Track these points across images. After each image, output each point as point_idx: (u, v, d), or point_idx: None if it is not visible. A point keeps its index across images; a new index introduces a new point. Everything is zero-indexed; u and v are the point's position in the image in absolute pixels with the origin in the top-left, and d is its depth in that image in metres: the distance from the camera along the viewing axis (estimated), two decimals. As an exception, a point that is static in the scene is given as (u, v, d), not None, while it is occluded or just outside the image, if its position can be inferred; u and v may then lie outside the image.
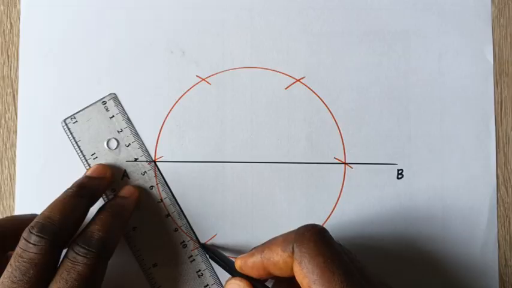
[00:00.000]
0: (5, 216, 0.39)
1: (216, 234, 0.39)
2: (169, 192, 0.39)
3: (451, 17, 0.40)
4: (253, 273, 0.32)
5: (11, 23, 0.40)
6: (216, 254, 0.37)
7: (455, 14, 0.40)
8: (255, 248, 0.32)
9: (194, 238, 0.39)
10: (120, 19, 0.40)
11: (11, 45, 0.40)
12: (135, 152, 0.39)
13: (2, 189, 0.39)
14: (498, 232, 0.39)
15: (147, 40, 0.40)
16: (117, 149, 0.38)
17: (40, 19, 0.40)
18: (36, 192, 0.39)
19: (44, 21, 0.40)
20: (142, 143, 0.39)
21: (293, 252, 0.29)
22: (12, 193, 0.39)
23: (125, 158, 0.39)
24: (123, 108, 0.39)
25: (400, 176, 0.39)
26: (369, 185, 0.39)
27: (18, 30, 0.40)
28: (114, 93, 0.39)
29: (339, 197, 0.39)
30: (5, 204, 0.39)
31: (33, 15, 0.40)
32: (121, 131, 0.39)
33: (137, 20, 0.40)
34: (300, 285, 0.29)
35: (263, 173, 0.39)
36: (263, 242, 0.32)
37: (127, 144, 0.39)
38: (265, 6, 0.40)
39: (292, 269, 0.29)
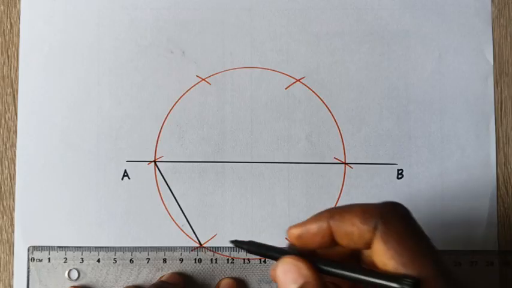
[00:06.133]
0: (5, 216, 0.39)
1: (216, 234, 0.39)
2: (170, 192, 0.39)
3: (451, 17, 0.40)
4: (315, 241, 0.28)
5: (11, 23, 0.40)
6: (254, 245, 0.31)
7: (455, 14, 0.40)
8: (316, 214, 0.29)
9: (194, 238, 0.39)
10: (120, 19, 0.40)
11: (11, 45, 0.40)
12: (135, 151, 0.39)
13: (2, 189, 0.39)
14: (498, 232, 0.39)
15: (147, 40, 0.40)
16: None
17: (40, 19, 0.40)
18: (36, 192, 0.39)
19: (44, 21, 0.40)
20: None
21: (375, 228, 0.26)
22: (12, 193, 0.39)
23: (125, 158, 0.39)
24: (123, 108, 0.39)
25: (400, 176, 0.39)
26: (369, 185, 0.39)
27: (18, 30, 0.40)
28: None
29: (339, 197, 0.39)
30: (5, 204, 0.39)
31: (33, 15, 0.40)
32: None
33: (137, 20, 0.40)
34: (382, 266, 0.26)
35: (263, 173, 0.39)
36: (328, 208, 0.29)
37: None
38: (265, 6, 0.40)
39: (366, 243, 0.27)
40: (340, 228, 0.27)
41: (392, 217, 0.27)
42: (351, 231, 0.27)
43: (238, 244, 0.31)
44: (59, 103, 0.39)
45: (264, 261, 0.38)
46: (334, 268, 0.27)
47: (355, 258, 0.29)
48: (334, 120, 0.39)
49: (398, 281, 0.25)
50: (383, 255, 0.26)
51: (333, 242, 0.28)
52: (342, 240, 0.27)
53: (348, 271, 0.27)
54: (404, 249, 0.26)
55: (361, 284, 0.27)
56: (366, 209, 0.27)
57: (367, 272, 0.26)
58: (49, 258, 0.38)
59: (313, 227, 0.28)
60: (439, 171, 0.39)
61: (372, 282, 0.26)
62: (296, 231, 0.29)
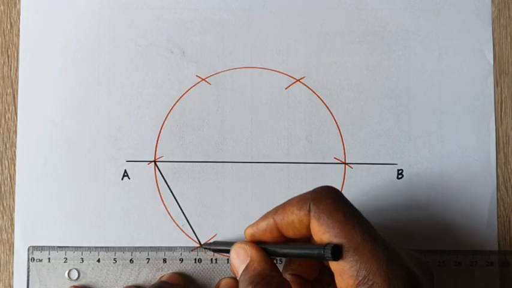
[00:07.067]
0: (5, 216, 0.39)
1: (216, 234, 0.39)
2: (170, 192, 0.39)
3: (451, 17, 0.40)
4: (266, 237, 0.32)
5: (11, 23, 0.40)
6: (218, 244, 0.37)
7: (455, 14, 0.40)
8: (264, 214, 0.33)
9: (194, 238, 0.39)
10: (120, 19, 0.40)
11: (11, 45, 0.40)
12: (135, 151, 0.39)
13: (2, 189, 0.39)
14: (498, 232, 0.39)
15: (147, 40, 0.40)
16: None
17: (40, 19, 0.40)
18: (36, 192, 0.39)
19: (44, 21, 0.40)
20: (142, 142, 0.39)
21: (310, 210, 0.30)
22: (12, 193, 0.39)
23: (125, 158, 0.39)
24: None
25: (400, 176, 0.39)
26: (369, 185, 0.39)
27: (18, 30, 0.40)
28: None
29: (339, 197, 0.39)
30: (5, 204, 0.39)
31: (33, 15, 0.40)
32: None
33: (137, 20, 0.40)
34: (319, 242, 0.29)
35: (263, 173, 0.39)
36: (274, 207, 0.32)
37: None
38: (265, 6, 0.40)
39: (307, 228, 0.30)
40: (283, 221, 0.31)
41: (322, 197, 0.30)
42: (292, 220, 0.31)
43: (206, 247, 0.38)
44: (59, 103, 0.39)
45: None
46: (276, 248, 0.32)
47: None
48: (334, 120, 0.39)
49: (319, 248, 0.28)
50: (318, 231, 0.29)
51: (281, 235, 0.32)
52: (288, 231, 0.31)
53: (284, 249, 0.32)
54: (334, 222, 0.29)
55: (295, 258, 0.33)
56: (301, 197, 0.31)
57: (297, 247, 0.31)
58: (49, 258, 0.38)
59: (262, 225, 0.32)
60: (439, 171, 0.39)
61: (301, 253, 0.30)
62: (249, 231, 0.33)
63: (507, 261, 0.38)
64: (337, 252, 0.28)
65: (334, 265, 0.29)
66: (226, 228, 0.39)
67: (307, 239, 0.32)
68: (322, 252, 0.28)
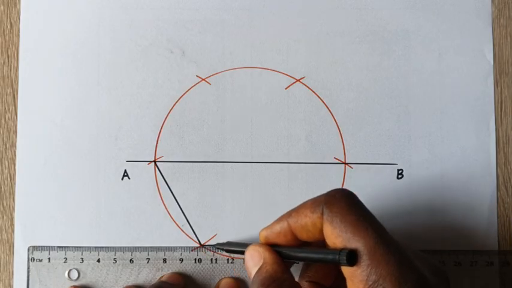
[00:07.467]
0: (5, 216, 0.39)
1: (216, 234, 0.39)
2: (170, 192, 0.39)
3: (451, 17, 0.40)
4: (280, 240, 0.32)
5: (11, 23, 0.40)
6: (231, 245, 0.37)
7: (455, 14, 0.40)
8: (279, 217, 0.33)
9: (194, 238, 0.39)
10: (120, 19, 0.40)
11: (11, 45, 0.40)
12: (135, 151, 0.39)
13: (2, 189, 0.39)
14: (498, 232, 0.39)
15: (147, 40, 0.40)
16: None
17: (40, 19, 0.40)
18: (36, 192, 0.39)
19: (44, 21, 0.40)
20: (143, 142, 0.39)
21: (323, 213, 0.29)
22: (12, 193, 0.39)
23: (125, 158, 0.39)
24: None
25: (400, 176, 0.39)
26: (369, 185, 0.39)
27: (18, 30, 0.40)
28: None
29: (339, 197, 0.39)
30: (5, 204, 0.39)
31: (33, 15, 0.40)
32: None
33: (137, 20, 0.40)
34: (332, 246, 0.29)
35: (263, 173, 0.39)
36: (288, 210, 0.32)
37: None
38: (265, 6, 0.40)
39: (320, 231, 0.30)
40: (296, 224, 0.31)
41: (335, 200, 0.30)
42: (305, 223, 0.30)
43: (219, 247, 0.38)
44: (59, 103, 0.39)
45: (264, 261, 0.38)
46: (290, 252, 0.32)
47: None
48: (334, 120, 0.39)
49: (334, 253, 0.28)
50: (331, 235, 0.29)
51: (296, 239, 0.32)
52: (302, 234, 0.31)
53: (298, 252, 0.31)
54: (347, 226, 0.28)
55: (310, 262, 0.33)
56: (314, 200, 0.31)
57: (312, 251, 0.31)
58: (49, 258, 0.38)
59: (276, 228, 0.32)
60: (439, 171, 0.39)
61: (315, 257, 0.30)
62: (264, 233, 0.33)
63: (507, 261, 0.38)
64: (352, 257, 0.28)
65: (345, 269, 0.28)
66: (226, 228, 0.39)
67: (321, 243, 0.31)
68: (337, 257, 0.28)
